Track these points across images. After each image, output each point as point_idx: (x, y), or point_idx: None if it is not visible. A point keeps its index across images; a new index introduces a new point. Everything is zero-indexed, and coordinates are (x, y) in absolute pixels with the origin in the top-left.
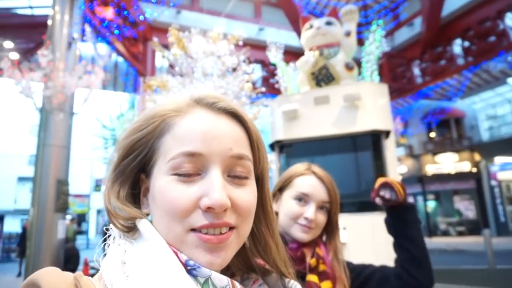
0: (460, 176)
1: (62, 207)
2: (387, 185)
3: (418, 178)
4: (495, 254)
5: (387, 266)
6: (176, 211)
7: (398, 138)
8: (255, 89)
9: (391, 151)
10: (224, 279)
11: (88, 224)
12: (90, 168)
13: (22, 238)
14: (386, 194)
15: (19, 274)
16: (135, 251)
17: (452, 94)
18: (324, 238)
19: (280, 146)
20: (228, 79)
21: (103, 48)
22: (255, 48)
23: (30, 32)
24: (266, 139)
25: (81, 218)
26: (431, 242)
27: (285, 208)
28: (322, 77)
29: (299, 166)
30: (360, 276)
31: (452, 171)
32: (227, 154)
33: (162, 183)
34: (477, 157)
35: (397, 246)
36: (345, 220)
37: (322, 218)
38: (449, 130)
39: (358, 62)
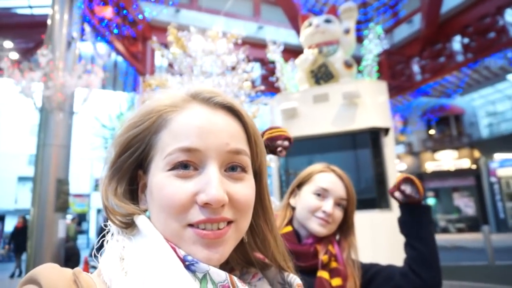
0: (459, 173)
1: (62, 207)
2: (408, 181)
3: (417, 175)
4: (495, 251)
5: (393, 265)
6: (173, 207)
7: (397, 135)
8: (254, 88)
9: (390, 148)
10: (222, 274)
11: (88, 224)
12: (90, 168)
13: (13, 237)
14: (407, 189)
15: (12, 275)
16: (134, 247)
17: (452, 91)
18: (337, 236)
19: None
20: (227, 78)
21: (102, 47)
22: (254, 46)
23: (29, 32)
24: None
25: (81, 218)
26: None
27: (304, 201)
28: (321, 75)
29: (318, 165)
30: (366, 274)
31: (452, 168)
32: (224, 149)
33: (159, 179)
34: (476, 154)
35: (408, 246)
36: None
37: (339, 214)
38: (448, 127)
39: (357, 60)
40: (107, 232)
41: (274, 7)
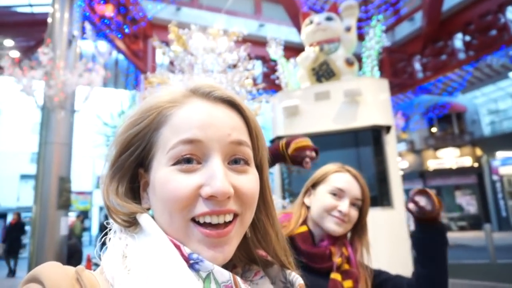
0: (461, 171)
1: (65, 204)
2: (423, 193)
3: (419, 173)
4: (496, 249)
5: (401, 276)
6: (177, 201)
7: (399, 133)
8: (255, 85)
9: (392, 146)
10: (226, 274)
11: (91, 221)
12: (92, 166)
13: (7, 233)
14: (422, 201)
15: (8, 274)
16: (137, 245)
17: (454, 89)
18: (348, 236)
19: None
20: (228, 76)
21: (103, 45)
22: (256, 44)
23: (30, 30)
24: (267, 136)
25: (83, 215)
26: None
27: (320, 201)
28: (323, 72)
29: (333, 165)
30: (376, 279)
31: (454, 166)
32: (226, 140)
33: (162, 174)
34: (478, 152)
35: (418, 262)
36: None
37: (354, 214)
38: (450, 125)
39: (358, 58)
40: (109, 230)
41: (275, 5)
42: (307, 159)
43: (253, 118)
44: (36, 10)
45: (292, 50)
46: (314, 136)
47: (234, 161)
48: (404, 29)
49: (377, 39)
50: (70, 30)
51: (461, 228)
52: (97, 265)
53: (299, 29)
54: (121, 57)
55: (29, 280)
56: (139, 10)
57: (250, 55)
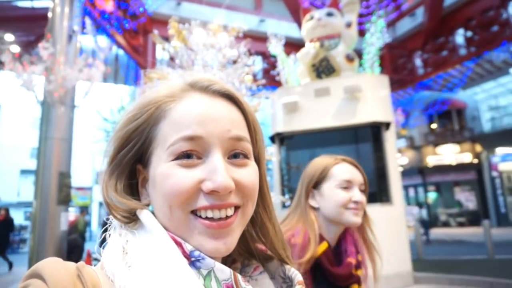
0: (461, 167)
1: (65, 200)
2: None
3: (419, 170)
4: (495, 245)
5: None
6: (177, 195)
7: (399, 129)
8: (255, 81)
9: (392, 142)
10: (227, 271)
11: (91, 216)
12: (92, 161)
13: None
14: None
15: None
16: (137, 241)
17: (454, 85)
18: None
19: (280, 139)
20: (228, 71)
21: (103, 40)
22: (256, 39)
23: (30, 25)
24: (267, 132)
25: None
26: (431, 233)
27: (332, 198)
28: (323, 68)
29: (326, 158)
30: None
31: (453, 162)
32: (226, 135)
33: (163, 169)
34: (478, 148)
35: None
36: None
37: (364, 199)
38: (450, 121)
39: (359, 53)
40: (109, 226)
41: (275, 0)
42: None
43: (251, 112)
44: (36, 4)
45: (293, 45)
46: (313, 133)
47: (234, 156)
48: (405, 25)
49: (377, 35)
50: (70, 25)
51: (460, 224)
52: (97, 260)
53: (299, 24)
54: (121, 52)
55: (30, 276)
56: (139, 5)
57: (250, 51)
